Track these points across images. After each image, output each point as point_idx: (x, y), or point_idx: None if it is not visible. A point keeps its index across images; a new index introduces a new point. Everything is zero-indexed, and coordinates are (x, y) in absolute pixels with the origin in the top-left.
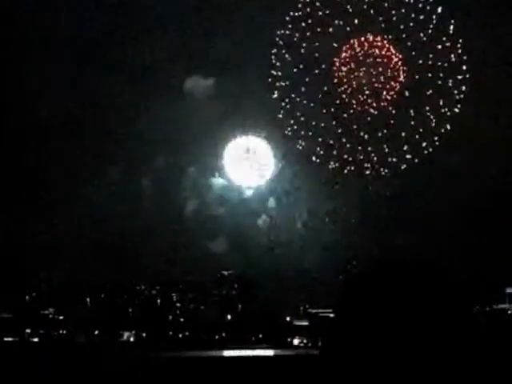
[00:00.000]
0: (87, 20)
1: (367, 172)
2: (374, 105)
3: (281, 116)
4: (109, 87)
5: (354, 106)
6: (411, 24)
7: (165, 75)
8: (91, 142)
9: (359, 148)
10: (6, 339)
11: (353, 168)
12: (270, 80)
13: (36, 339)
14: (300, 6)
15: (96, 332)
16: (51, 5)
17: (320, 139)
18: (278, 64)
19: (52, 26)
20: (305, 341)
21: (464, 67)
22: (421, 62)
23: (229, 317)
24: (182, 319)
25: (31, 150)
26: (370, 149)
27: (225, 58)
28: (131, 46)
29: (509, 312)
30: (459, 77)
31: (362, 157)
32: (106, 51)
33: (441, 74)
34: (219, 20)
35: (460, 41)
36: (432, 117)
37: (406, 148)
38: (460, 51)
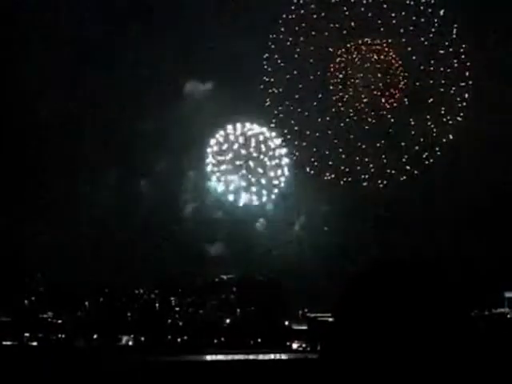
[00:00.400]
0: (87, 20)
1: (364, 184)
2: (372, 113)
3: (273, 125)
4: (109, 87)
5: (351, 115)
6: (412, 27)
7: (165, 78)
8: (91, 142)
9: (356, 159)
10: (4, 343)
11: (350, 179)
12: (262, 86)
13: (35, 343)
14: (293, 7)
15: (95, 336)
16: (51, 5)
17: (315, 149)
18: (269, 70)
19: (52, 26)
20: (304, 345)
21: (467, 73)
22: (422, 67)
23: (227, 321)
24: (180, 323)
25: (31, 150)
26: (367, 160)
27: (224, 60)
28: (131, 45)
29: (508, 316)
30: (462, 84)
31: (359, 168)
32: (105, 51)
33: (443, 81)
34: (219, 20)
35: (463, 45)
36: (433, 126)
37: (405, 159)
38: (463, 56)
